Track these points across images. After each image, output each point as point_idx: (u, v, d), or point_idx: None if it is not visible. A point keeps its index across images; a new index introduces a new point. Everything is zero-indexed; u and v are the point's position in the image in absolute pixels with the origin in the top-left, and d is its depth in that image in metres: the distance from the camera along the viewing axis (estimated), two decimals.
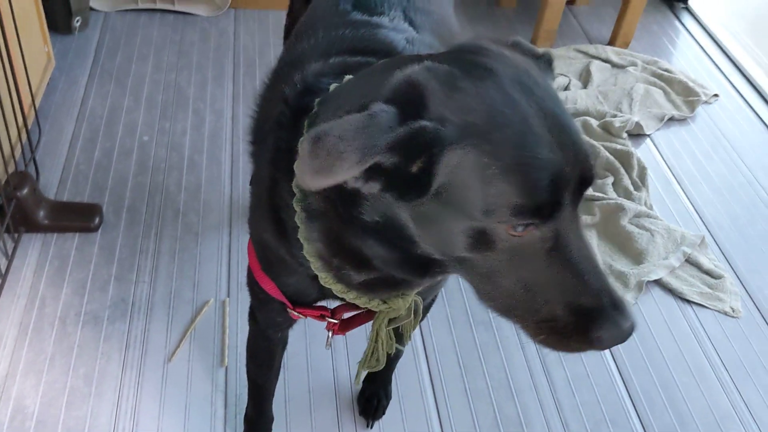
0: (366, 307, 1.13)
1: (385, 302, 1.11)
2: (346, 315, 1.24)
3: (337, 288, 1.06)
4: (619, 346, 2.03)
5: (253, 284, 1.31)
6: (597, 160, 0.81)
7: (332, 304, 1.22)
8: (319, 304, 1.24)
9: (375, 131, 0.73)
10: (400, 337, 1.27)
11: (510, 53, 0.89)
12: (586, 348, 0.85)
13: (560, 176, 0.78)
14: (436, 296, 1.54)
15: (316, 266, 1.03)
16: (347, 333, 1.26)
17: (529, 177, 0.76)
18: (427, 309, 1.58)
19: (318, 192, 0.90)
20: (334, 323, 1.22)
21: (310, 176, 0.74)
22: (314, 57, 1.16)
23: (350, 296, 1.09)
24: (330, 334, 1.26)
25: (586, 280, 0.83)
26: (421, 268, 0.93)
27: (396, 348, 1.29)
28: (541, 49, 0.98)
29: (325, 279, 1.05)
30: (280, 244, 1.12)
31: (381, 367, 1.29)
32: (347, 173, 0.73)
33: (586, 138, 0.85)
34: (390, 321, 1.19)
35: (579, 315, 0.83)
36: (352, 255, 0.96)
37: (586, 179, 0.83)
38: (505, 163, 0.76)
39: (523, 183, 0.76)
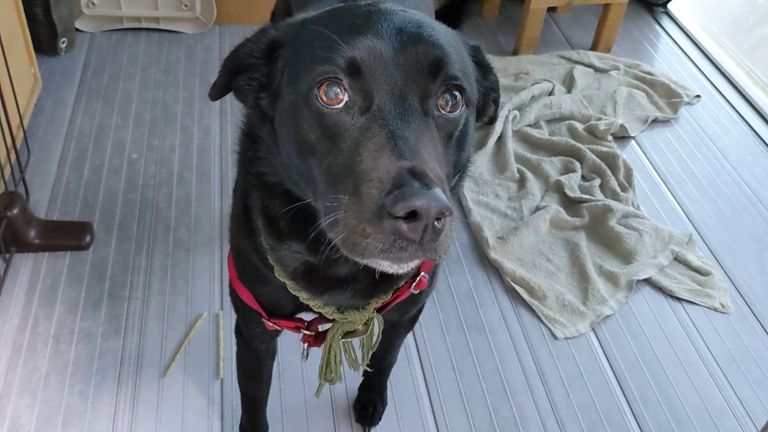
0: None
1: (342, 313, 1.16)
2: (322, 328, 1.27)
3: (290, 285, 1.11)
4: (611, 345, 2.05)
5: (232, 294, 1.34)
6: (445, 57, 0.84)
7: (309, 317, 1.25)
8: (297, 317, 1.27)
9: (244, 45, 0.99)
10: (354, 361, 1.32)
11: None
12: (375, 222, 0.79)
13: (369, 49, 0.85)
14: (416, 314, 1.56)
15: (269, 255, 1.09)
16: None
17: (339, 44, 0.86)
18: (408, 325, 1.61)
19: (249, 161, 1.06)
20: (309, 335, 1.25)
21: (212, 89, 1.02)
22: None
23: (314, 304, 1.14)
24: (305, 346, 1.29)
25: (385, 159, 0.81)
26: (307, 225, 0.95)
27: (360, 365, 1.34)
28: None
29: (277, 272, 1.10)
30: (251, 249, 1.16)
31: (336, 381, 1.32)
32: (224, 75, 0.99)
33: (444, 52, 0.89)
34: (346, 334, 1.23)
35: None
36: (270, 222, 1.04)
37: (424, 64, 0.86)
38: (326, 39, 0.87)
39: (333, 47, 0.86)
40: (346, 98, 0.86)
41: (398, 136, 0.82)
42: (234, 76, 0.99)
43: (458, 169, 0.98)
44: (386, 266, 0.82)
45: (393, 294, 1.18)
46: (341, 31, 0.87)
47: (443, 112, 0.89)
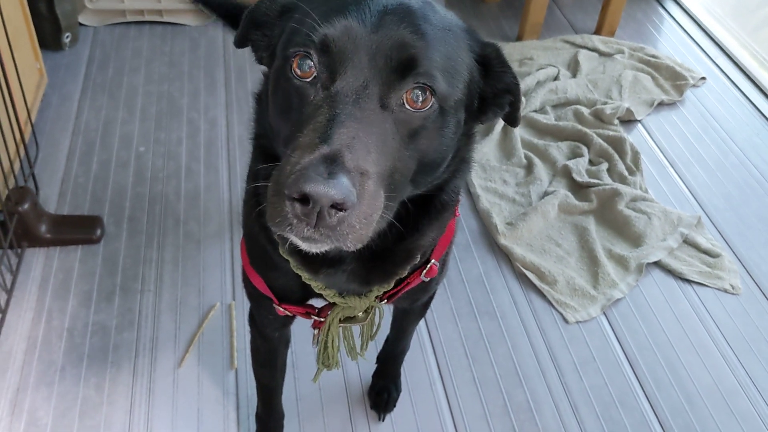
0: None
1: (343, 298, 1.18)
2: None
3: (292, 263, 1.11)
4: (623, 328, 2.06)
5: (245, 280, 1.35)
6: (421, 55, 0.86)
7: (320, 304, 1.26)
8: (308, 304, 1.28)
9: (263, 3, 1.02)
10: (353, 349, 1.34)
11: None
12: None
13: (345, 31, 0.86)
14: (428, 301, 1.57)
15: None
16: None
17: (319, 22, 0.88)
18: (420, 312, 1.63)
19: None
20: (320, 321, 1.26)
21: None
22: None
23: (315, 285, 1.15)
24: (316, 332, 1.30)
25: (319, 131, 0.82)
26: None
27: (359, 354, 1.36)
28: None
29: (281, 249, 1.11)
30: (259, 228, 1.16)
31: (334, 367, 1.33)
32: (243, 27, 1.03)
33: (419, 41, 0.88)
34: (346, 319, 1.24)
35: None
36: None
37: (395, 60, 0.86)
38: (314, 14, 0.89)
39: (314, 23, 0.88)
40: (315, 73, 0.89)
41: (338, 121, 0.83)
42: (251, 29, 1.04)
43: (430, 169, 0.96)
44: (298, 243, 0.85)
45: (402, 282, 1.18)
46: (329, 9, 0.89)
47: (408, 107, 0.88)
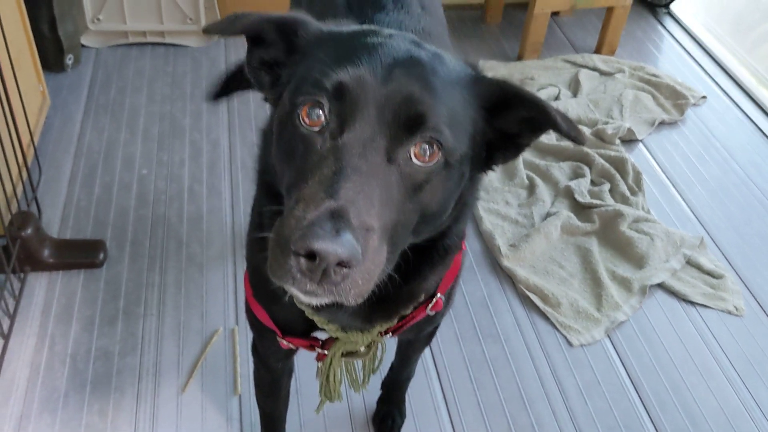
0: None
1: (345, 332, 1.17)
2: None
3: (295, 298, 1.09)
4: (627, 350, 2.05)
5: (248, 311, 1.34)
6: (429, 112, 0.86)
7: (324, 336, 1.25)
8: (312, 336, 1.28)
9: (273, 20, 0.99)
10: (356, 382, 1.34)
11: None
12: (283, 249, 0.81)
13: (356, 83, 0.86)
14: (432, 331, 1.57)
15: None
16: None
17: (330, 72, 0.88)
18: (424, 342, 1.63)
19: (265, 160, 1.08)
20: (324, 354, 1.25)
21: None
22: None
23: (318, 320, 1.15)
24: (320, 365, 1.29)
25: (324, 183, 0.82)
26: None
27: (361, 386, 1.36)
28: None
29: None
30: (263, 262, 1.15)
31: (336, 400, 1.33)
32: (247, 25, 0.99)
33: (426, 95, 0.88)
34: (348, 354, 1.24)
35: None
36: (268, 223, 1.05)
37: (404, 116, 0.86)
38: (324, 63, 0.89)
39: (326, 73, 0.88)
40: (322, 124, 0.88)
41: (345, 174, 0.82)
42: (253, 39, 1.01)
43: (432, 220, 0.96)
44: (299, 295, 0.84)
45: (407, 317, 1.18)
46: (340, 56, 0.89)
47: (415, 161, 0.88)
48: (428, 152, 0.88)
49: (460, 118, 0.92)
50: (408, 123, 0.86)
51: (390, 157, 0.86)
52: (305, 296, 0.83)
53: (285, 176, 0.93)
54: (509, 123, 0.98)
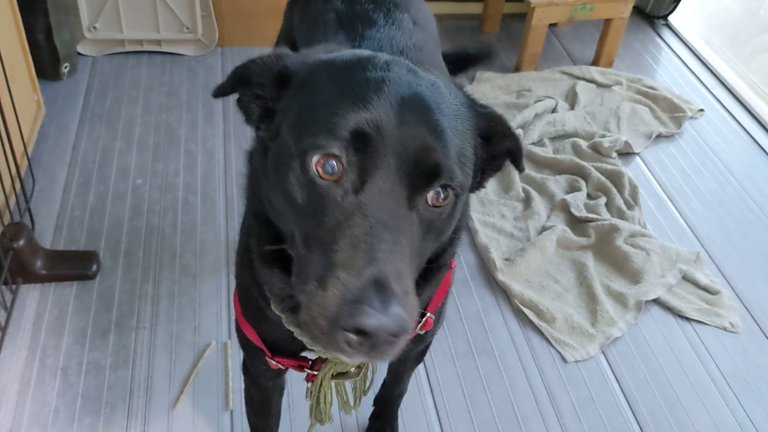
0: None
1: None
2: None
3: (284, 319, 1.09)
4: (622, 367, 2.04)
5: (237, 330, 1.34)
6: (444, 158, 0.86)
7: (313, 356, 1.24)
8: (302, 356, 1.27)
9: (257, 64, 0.96)
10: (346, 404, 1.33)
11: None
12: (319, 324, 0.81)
13: (373, 128, 0.83)
14: (424, 349, 1.56)
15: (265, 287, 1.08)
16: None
17: (343, 119, 0.84)
18: (416, 359, 1.62)
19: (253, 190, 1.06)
20: (313, 375, 1.25)
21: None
22: None
23: (307, 342, 1.13)
24: (309, 386, 1.29)
25: (359, 250, 0.80)
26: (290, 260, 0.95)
27: (352, 408, 1.35)
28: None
29: (273, 305, 1.09)
30: (253, 285, 1.15)
31: (327, 422, 1.32)
32: (230, 83, 0.97)
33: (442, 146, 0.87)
34: (338, 375, 1.24)
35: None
36: (259, 251, 1.03)
37: (422, 166, 0.85)
38: (328, 99, 0.87)
39: (337, 122, 0.84)
40: (339, 175, 0.85)
41: (376, 234, 0.81)
42: (239, 87, 0.99)
43: (436, 248, 0.97)
44: (340, 357, 0.85)
45: None
46: (344, 98, 0.86)
47: (431, 205, 0.88)
48: (442, 195, 0.88)
49: (467, 153, 0.93)
50: (426, 173, 0.86)
51: (410, 206, 0.86)
52: (349, 358, 0.84)
53: (291, 218, 0.91)
54: (497, 149, 1.01)
